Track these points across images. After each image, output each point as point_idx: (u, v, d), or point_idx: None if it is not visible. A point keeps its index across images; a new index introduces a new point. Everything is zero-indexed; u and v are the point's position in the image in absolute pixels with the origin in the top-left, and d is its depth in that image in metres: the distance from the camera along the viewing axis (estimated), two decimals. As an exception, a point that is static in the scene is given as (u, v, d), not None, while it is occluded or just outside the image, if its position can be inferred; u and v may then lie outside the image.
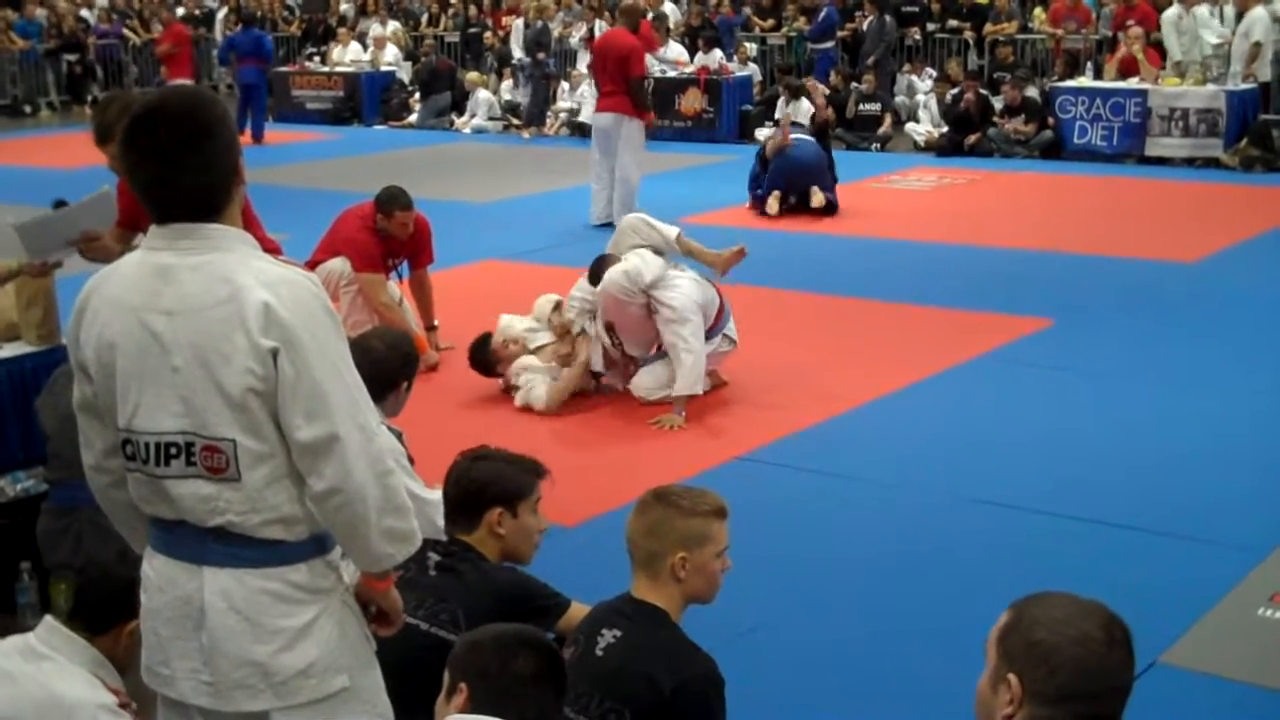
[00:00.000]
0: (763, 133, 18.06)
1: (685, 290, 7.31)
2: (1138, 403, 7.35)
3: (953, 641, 4.82)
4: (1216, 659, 4.61)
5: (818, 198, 13.08)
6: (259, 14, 25.11)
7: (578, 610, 3.88)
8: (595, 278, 7.48)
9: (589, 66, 13.57)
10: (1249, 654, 4.71)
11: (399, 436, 4.57)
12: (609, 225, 11.15)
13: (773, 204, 13.09)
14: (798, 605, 5.16)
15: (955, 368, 8.07)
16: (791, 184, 13.18)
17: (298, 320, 2.67)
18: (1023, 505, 6.01)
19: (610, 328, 7.49)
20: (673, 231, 7.76)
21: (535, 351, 7.72)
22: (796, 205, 13.18)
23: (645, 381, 7.48)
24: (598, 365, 7.60)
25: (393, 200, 8.32)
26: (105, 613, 3.36)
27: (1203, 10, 16.30)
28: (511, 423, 7.25)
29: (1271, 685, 4.51)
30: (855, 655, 4.78)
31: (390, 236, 8.34)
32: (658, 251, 7.53)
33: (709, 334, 7.42)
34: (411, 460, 4.64)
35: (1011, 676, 2.32)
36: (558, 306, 7.83)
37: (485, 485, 3.81)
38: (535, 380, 7.55)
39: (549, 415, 7.37)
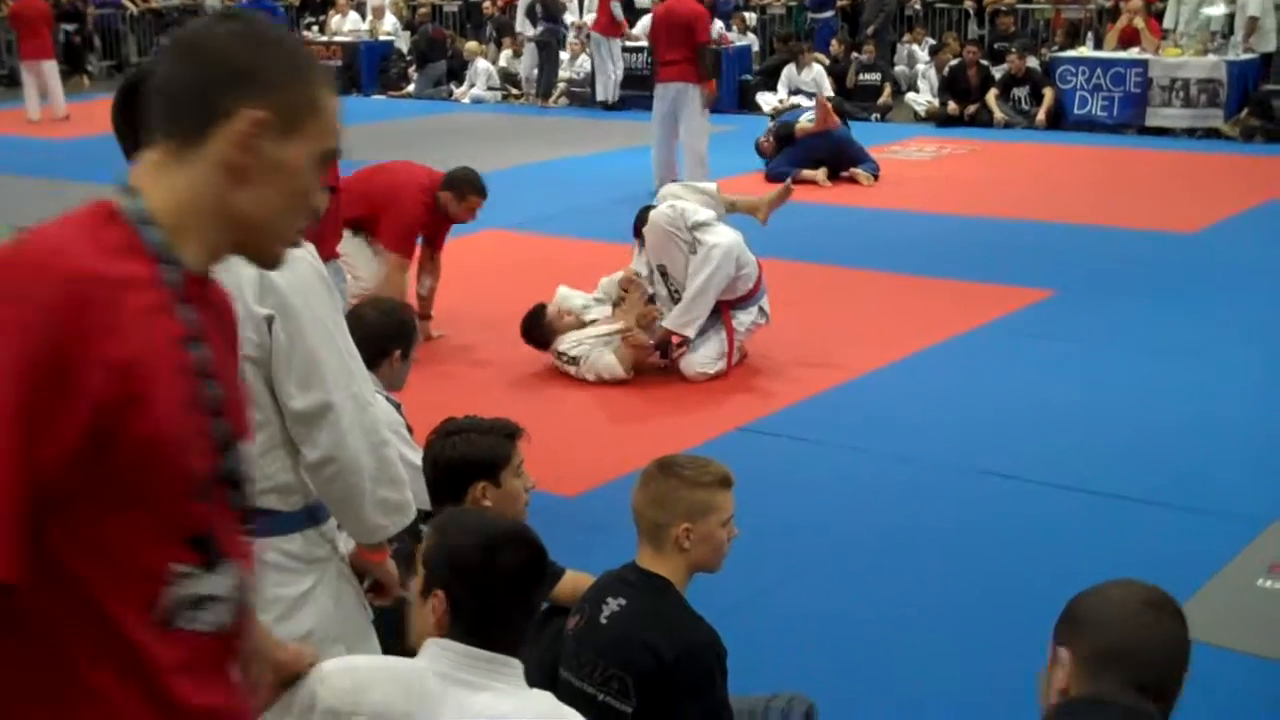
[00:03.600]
0: (765, 99, 18.02)
1: (727, 238, 7.30)
2: (1138, 373, 7.34)
3: (953, 611, 4.83)
4: (1217, 630, 4.60)
5: (866, 178, 13.20)
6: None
7: (575, 578, 3.87)
8: (639, 227, 7.44)
9: (648, 36, 13.53)
10: (1249, 625, 4.71)
11: (398, 408, 4.54)
12: None
13: (821, 176, 13.12)
14: (799, 576, 5.16)
15: (955, 338, 8.05)
16: (831, 161, 13.30)
17: (293, 288, 2.66)
18: (1022, 476, 6.01)
19: (663, 272, 7.45)
20: (712, 186, 7.81)
21: (588, 324, 7.54)
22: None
23: (693, 358, 7.42)
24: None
25: (469, 184, 7.77)
26: None
27: None
28: (510, 398, 7.23)
29: (1272, 655, 4.51)
30: (857, 626, 4.78)
31: (446, 217, 7.84)
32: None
33: (745, 302, 7.43)
34: (410, 430, 4.62)
35: (1062, 650, 2.34)
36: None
37: (463, 463, 3.70)
38: (598, 349, 7.36)
39: (587, 385, 7.31)
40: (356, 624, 2.92)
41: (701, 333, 7.42)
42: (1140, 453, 6.26)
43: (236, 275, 2.64)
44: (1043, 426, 6.61)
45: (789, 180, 8.21)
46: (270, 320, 2.65)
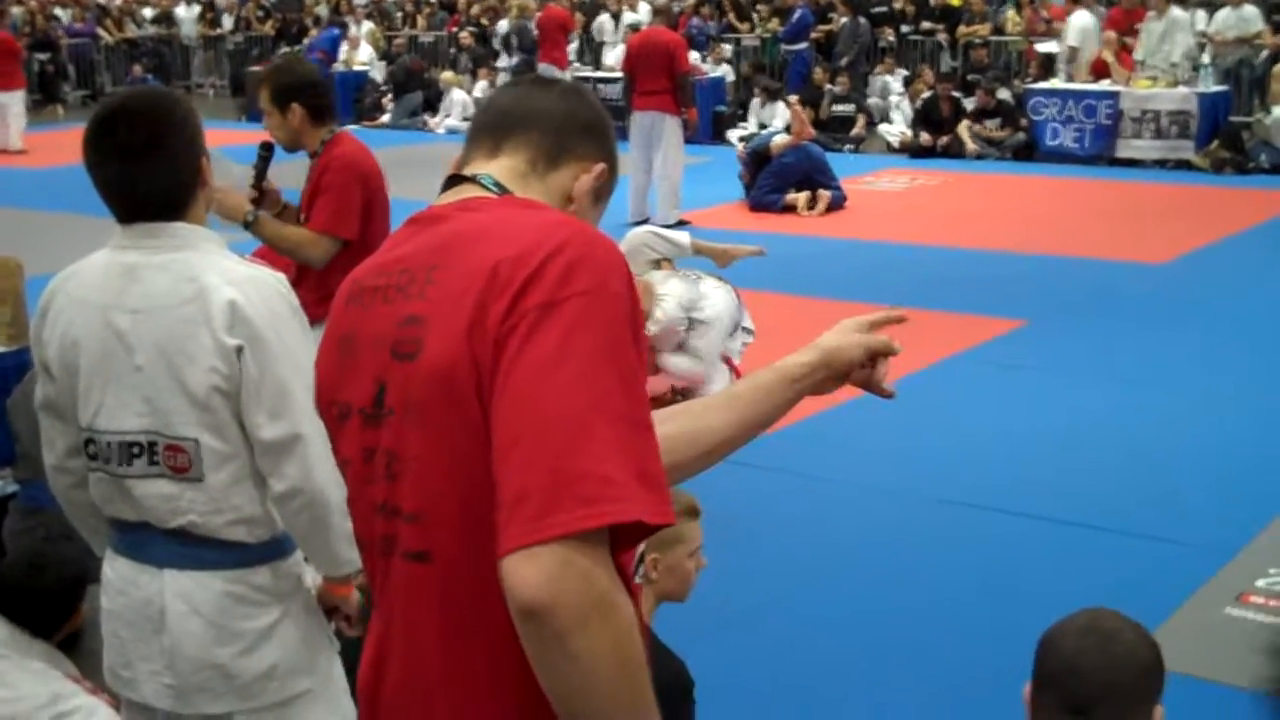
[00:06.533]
0: (735, 134, 18.11)
1: (718, 306, 7.36)
2: (1110, 403, 7.38)
3: (923, 643, 4.84)
4: (1185, 658, 4.60)
5: (824, 200, 13.29)
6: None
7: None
8: None
9: (623, 66, 13.58)
10: (1217, 653, 4.72)
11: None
12: (644, 222, 11.08)
13: (802, 201, 13.22)
14: (767, 606, 5.17)
15: (928, 368, 8.07)
16: (807, 181, 13.39)
17: (263, 318, 2.66)
18: (994, 506, 6.03)
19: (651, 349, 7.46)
20: (685, 238, 7.81)
21: None
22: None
23: (712, 390, 7.44)
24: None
25: None
26: (49, 625, 3.41)
27: (1180, 14, 16.38)
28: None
29: (1240, 684, 4.52)
30: (824, 657, 4.78)
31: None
32: (670, 261, 7.56)
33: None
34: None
35: (1026, 686, 2.36)
36: None
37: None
38: None
39: None
40: (323, 656, 2.91)
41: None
42: (1110, 482, 6.29)
43: (206, 305, 2.65)
44: (1014, 456, 6.64)
45: (761, 248, 8.22)
46: (240, 351, 2.65)
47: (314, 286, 4.74)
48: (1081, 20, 17.22)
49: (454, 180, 1.97)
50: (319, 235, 4.97)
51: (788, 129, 13.99)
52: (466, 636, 1.78)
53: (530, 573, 1.58)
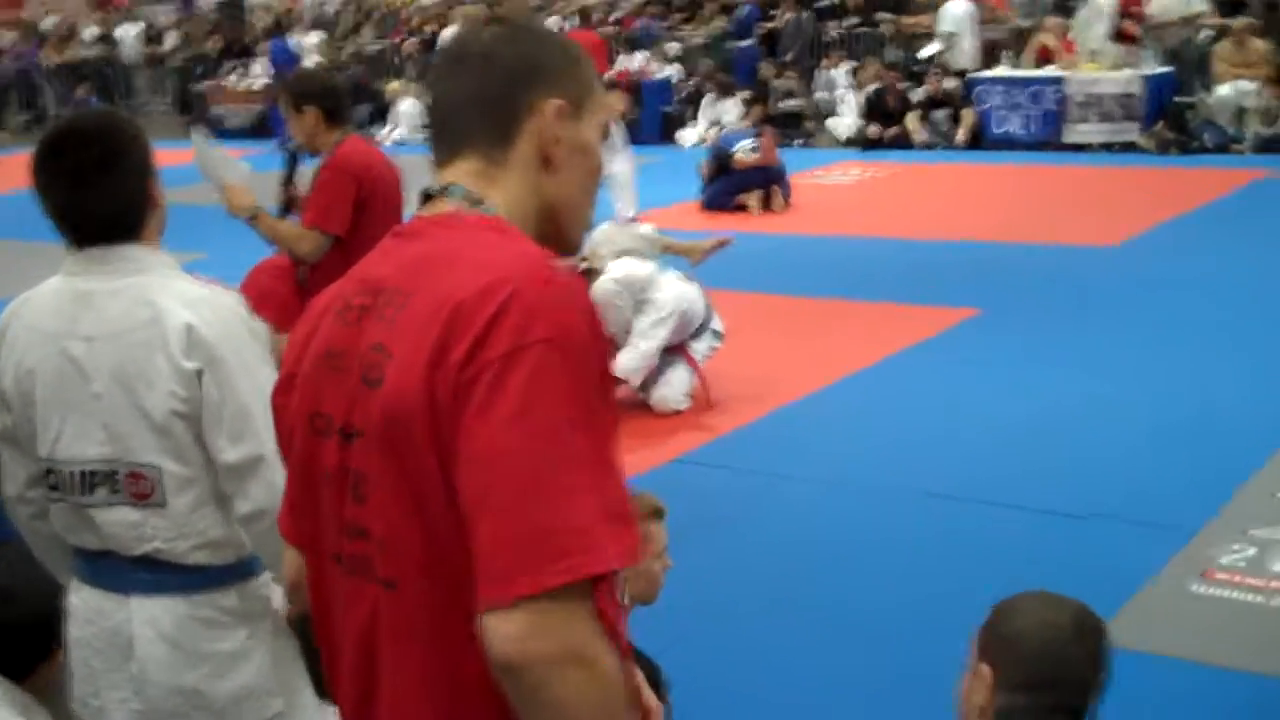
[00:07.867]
0: (686, 134, 18.12)
1: (673, 292, 7.37)
2: (1066, 386, 7.42)
3: (897, 635, 4.85)
4: (1152, 637, 4.66)
5: (779, 200, 13.43)
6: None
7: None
8: None
9: None
10: (1184, 630, 4.77)
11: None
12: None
13: (754, 201, 13.32)
14: (743, 607, 5.16)
15: (885, 361, 8.11)
16: (761, 186, 13.52)
17: (221, 340, 2.65)
18: (956, 495, 6.05)
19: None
20: (649, 230, 7.84)
21: None
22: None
23: (667, 393, 7.44)
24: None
25: None
26: (22, 663, 3.34)
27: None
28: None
29: (1207, 660, 4.56)
30: (803, 655, 4.79)
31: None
32: (636, 253, 7.57)
33: (697, 332, 7.48)
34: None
35: (984, 666, 2.37)
36: None
37: None
38: None
39: None
40: (295, 677, 2.89)
41: (670, 365, 7.47)
42: (1069, 466, 6.32)
43: (162, 330, 2.63)
44: (974, 445, 6.67)
45: (728, 238, 8.29)
46: (199, 374, 2.63)
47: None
48: (957, 8, 17.71)
49: (432, 191, 1.95)
50: (307, 230, 5.31)
51: (755, 137, 13.97)
52: (445, 676, 1.77)
53: (504, 630, 1.60)
